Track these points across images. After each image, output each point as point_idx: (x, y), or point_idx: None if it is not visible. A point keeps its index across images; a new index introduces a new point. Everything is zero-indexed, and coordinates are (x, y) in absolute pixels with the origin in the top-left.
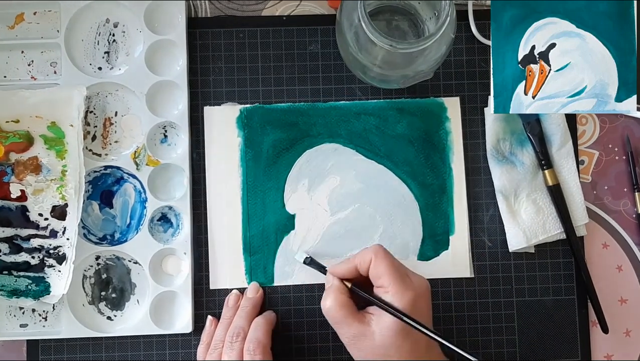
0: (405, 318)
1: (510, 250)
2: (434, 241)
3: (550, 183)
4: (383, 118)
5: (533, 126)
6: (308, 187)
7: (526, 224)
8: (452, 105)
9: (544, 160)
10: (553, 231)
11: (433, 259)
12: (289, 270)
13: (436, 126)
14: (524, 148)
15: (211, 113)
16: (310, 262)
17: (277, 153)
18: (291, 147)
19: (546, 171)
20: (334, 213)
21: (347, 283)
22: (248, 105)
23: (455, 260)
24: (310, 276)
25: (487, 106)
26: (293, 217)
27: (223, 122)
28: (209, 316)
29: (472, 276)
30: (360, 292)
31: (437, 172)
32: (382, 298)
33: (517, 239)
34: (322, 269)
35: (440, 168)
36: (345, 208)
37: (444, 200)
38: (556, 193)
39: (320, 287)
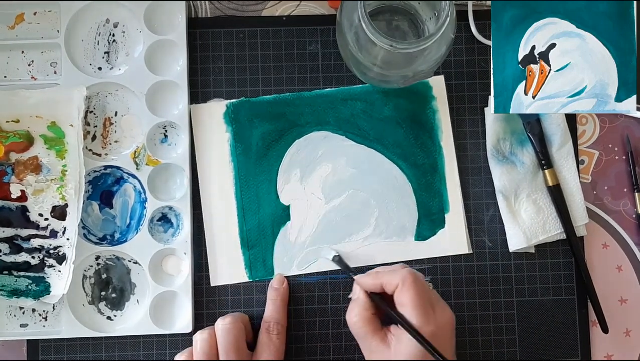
0: (423, 343)
1: (510, 250)
2: (430, 220)
3: (550, 183)
4: (369, 102)
5: (533, 126)
6: (300, 177)
7: (526, 224)
8: (437, 84)
9: (544, 160)
10: (553, 231)
11: (430, 238)
12: (288, 261)
13: (423, 106)
14: (524, 148)
15: (197, 110)
16: (339, 260)
17: (267, 145)
18: (280, 138)
19: (546, 171)
20: (329, 200)
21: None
22: (234, 100)
23: (453, 237)
24: (309, 267)
25: (487, 106)
26: (288, 207)
27: (210, 118)
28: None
29: (471, 252)
30: (385, 307)
31: (428, 152)
32: (405, 317)
33: (517, 239)
34: (348, 271)
35: (430, 147)
36: (339, 195)
37: (436, 179)
38: (556, 193)
39: (321, 285)
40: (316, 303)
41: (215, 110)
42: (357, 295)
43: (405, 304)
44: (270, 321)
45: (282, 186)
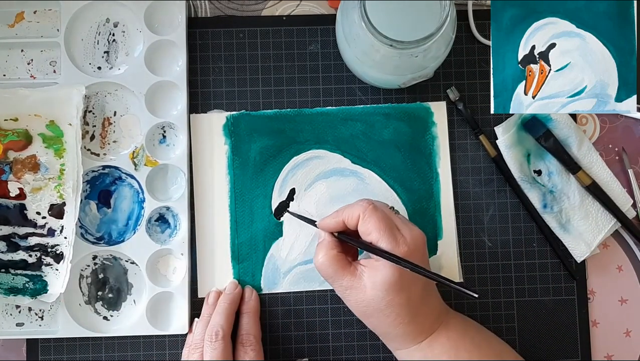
0: (402, 262)
1: (578, 261)
2: None
3: (585, 183)
4: (370, 124)
5: (546, 138)
6: (296, 194)
7: (580, 232)
8: (439, 110)
9: (571, 165)
10: (607, 225)
11: None
12: (277, 278)
13: (422, 131)
14: (547, 161)
15: (197, 120)
16: (297, 215)
17: (264, 160)
18: (278, 153)
19: (577, 174)
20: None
21: (335, 235)
22: (234, 113)
23: (444, 265)
24: (299, 285)
25: (497, 139)
26: (281, 223)
27: (210, 129)
28: (195, 319)
29: (462, 280)
30: (350, 240)
31: (424, 177)
32: (376, 246)
33: (579, 250)
34: (308, 221)
35: (427, 173)
36: None
37: (431, 205)
38: (595, 191)
39: (321, 293)
40: (316, 304)
41: (215, 121)
42: (322, 237)
43: (370, 231)
44: (243, 334)
45: (276, 202)
